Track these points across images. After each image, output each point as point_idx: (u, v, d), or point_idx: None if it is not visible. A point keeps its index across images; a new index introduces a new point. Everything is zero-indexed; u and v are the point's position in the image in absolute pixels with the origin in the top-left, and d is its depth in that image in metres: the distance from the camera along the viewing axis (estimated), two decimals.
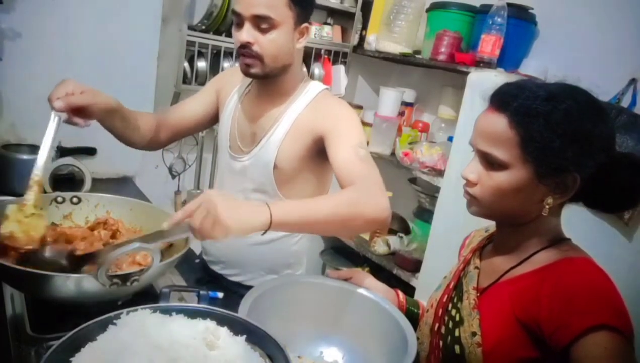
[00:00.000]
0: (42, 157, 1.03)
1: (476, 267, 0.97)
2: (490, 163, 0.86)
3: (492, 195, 0.87)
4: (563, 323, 0.77)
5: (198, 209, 0.82)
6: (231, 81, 1.37)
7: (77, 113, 1.07)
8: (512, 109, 0.83)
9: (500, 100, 0.85)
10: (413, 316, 1.09)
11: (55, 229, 1.11)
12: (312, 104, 1.23)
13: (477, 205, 0.90)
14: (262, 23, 1.11)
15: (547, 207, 0.85)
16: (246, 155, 1.27)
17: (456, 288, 0.98)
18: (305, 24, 1.18)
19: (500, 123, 0.84)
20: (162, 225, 0.86)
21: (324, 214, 0.95)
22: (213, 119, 1.40)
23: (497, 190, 0.86)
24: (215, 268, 1.41)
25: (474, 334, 0.88)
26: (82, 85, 1.09)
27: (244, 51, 1.14)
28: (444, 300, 0.98)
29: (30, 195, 1.00)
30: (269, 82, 1.23)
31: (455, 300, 0.96)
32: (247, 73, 1.19)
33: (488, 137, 0.86)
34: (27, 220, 0.98)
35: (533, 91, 0.83)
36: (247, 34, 1.12)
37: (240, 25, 1.14)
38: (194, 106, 1.38)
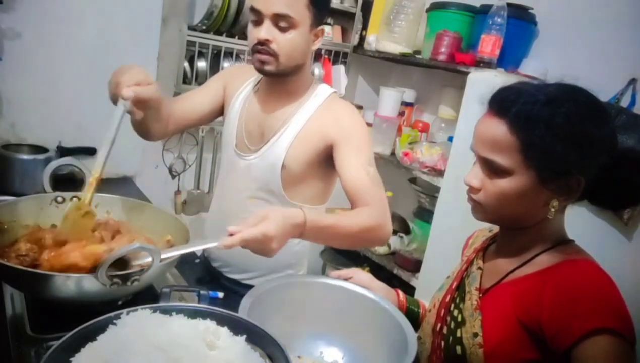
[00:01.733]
0: (104, 152, 1.00)
1: (479, 268, 0.96)
2: (492, 169, 0.85)
3: (496, 201, 0.86)
4: (565, 326, 0.76)
5: (256, 243, 0.90)
6: (238, 78, 1.37)
7: (138, 104, 1.05)
8: (511, 114, 0.81)
9: (499, 105, 0.84)
10: (413, 315, 1.09)
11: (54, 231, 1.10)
12: (323, 108, 1.23)
13: (482, 211, 0.90)
14: (282, 22, 1.12)
15: (552, 210, 0.85)
16: (253, 153, 1.27)
17: (459, 289, 0.98)
18: (321, 27, 1.19)
19: (500, 129, 0.83)
20: (216, 244, 0.90)
21: (346, 236, 1.09)
22: (218, 112, 1.39)
23: (501, 196, 0.85)
24: (216, 265, 1.40)
25: (475, 335, 0.88)
26: (149, 76, 1.07)
27: (260, 48, 1.14)
28: (447, 300, 0.98)
29: (89, 193, 1.01)
30: (280, 81, 1.23)
31: (457, 301, 0.96)
32: (260, 70, 1.19)
33: (489, 143, 0.85)
34: (81, 219, 1.00)
35: (532, 95, 0.82)
36: (265, 31, 1.12)
37: (258, 22, 1.14)
38: (201, 99, 1.36)
